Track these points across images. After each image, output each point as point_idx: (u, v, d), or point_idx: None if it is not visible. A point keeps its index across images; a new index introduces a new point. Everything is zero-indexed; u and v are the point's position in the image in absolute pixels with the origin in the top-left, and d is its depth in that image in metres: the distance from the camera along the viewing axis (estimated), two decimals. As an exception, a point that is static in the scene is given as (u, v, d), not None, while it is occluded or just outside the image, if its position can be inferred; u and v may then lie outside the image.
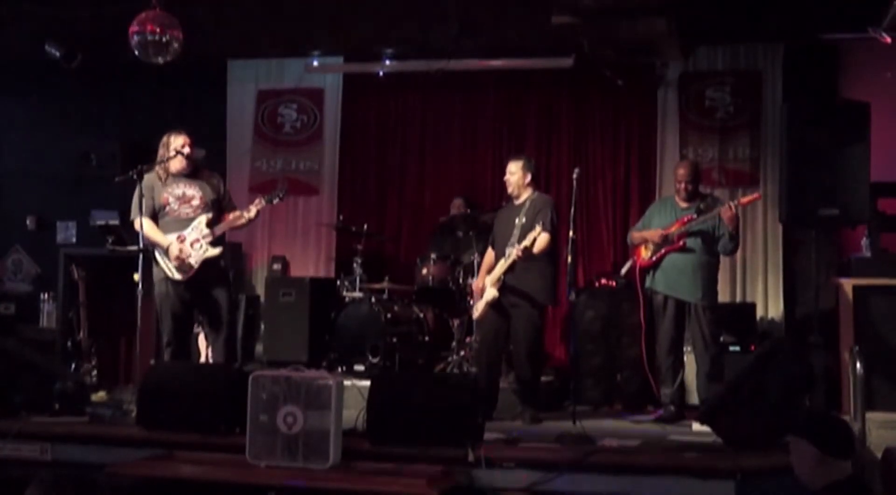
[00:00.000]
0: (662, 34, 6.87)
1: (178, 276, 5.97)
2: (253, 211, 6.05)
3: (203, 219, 6.04)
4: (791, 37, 7.81)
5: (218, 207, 6.16)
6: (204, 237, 5.99)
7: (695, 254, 6.27)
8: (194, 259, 5.96)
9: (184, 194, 6.05)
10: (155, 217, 6.03)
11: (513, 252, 6.09)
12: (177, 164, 6.05)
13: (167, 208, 6.02)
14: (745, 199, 6.51)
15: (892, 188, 6.80)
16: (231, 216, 6.12)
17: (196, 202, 6.06)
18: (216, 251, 6.04)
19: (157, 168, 6.05)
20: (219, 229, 6.06)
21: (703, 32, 7.70)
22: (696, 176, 6.45)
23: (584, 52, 7.46)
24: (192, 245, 5.97)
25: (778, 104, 7.60)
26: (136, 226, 5.95)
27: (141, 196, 5.88)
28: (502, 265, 6.21)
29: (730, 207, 6.09)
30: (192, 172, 6.12)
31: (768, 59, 7.95)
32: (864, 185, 5.84)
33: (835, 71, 7.84)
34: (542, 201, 6.30)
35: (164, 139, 6.08)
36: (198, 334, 7.19)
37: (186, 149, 6.05)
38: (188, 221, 6.02)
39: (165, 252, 5.95)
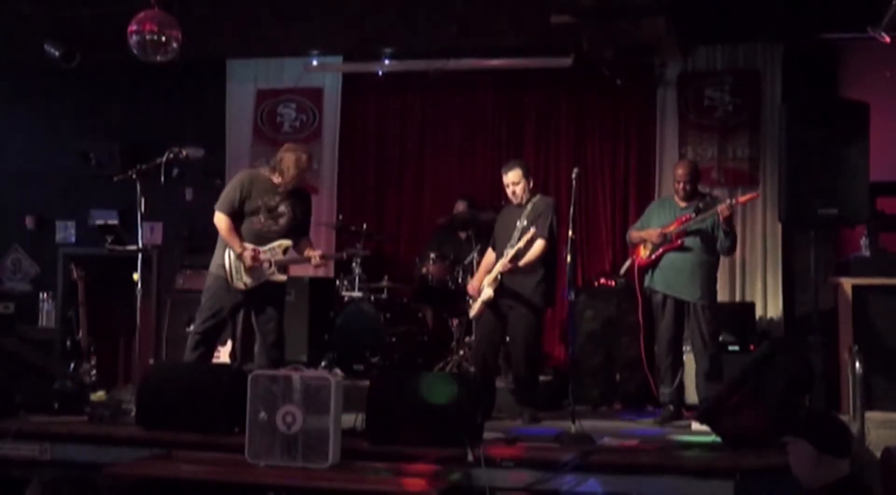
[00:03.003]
0: (661, 34, 6.88)
1: (238, 285, 5.91)
2: (317, 261, 6.11)
3: (283, 244, 5.99)
4: (791, 37, 7.80)
5: (300, 231, 6.13)
6: (276, 262, 5.96)
7: (693, 254, 6.27)
8: (260, 276, 5.92)
9: (277, 209, 5.97)
10: (237, 212, 5.92)
11: (508, 253, 6.12)
12: (298, 182, 6.00)
13: (255, 217, 5.93)
14: (743, 198, 6.51)
15: (891, 188, 6.81)
16: (304, 253, 6.12)
17: (283, 221, 6.00)
18: (282, 278, 6.02)
19: (270, 173, 5.98)
20: (287, 260, 6.05)
21: (702, 32, 7.70)
22: (694, 176, 6.45)
23: (583, 52, 7.46)
24: (263, 262, 5.92)
25: (777, 104, 7.59)
26: (216, 219, 5.91)
27: (238, 187, 5.88)
28: (498, 267, 6.24)
29: (727, 208, 6.09)
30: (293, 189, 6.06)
31: (767, 58, 7.95)
32: (864, 185, 5.85)
33: (834, 71, 7.84)
34: (543, 204, 6.30)
35: (294, 155, 5.93)
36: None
37: (307, 174, 6.13)
38: (267, 238, 5.95)
39: (239, 257, 5.87)
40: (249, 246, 5.90)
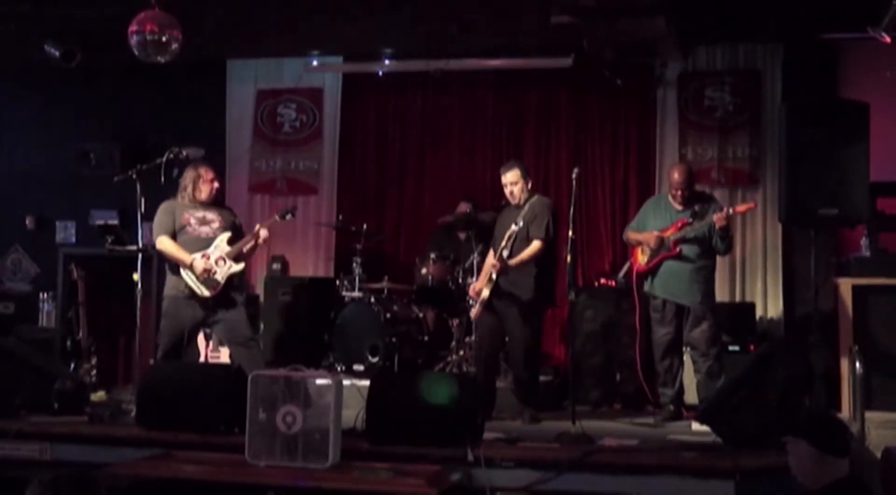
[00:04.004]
0: (662, 34, 6.88)
1: (206, 293, 6.01)
2: (264, 233, 6.18)
3: (224, 236, 6.14)
4: (791, 36, 7.81)
5: (234, 233, 6.25)
6: (227, 254, 6.08)
7: (691, 260, 6.27)
8: (220, 275, 6.04)
9: (204, 217, 6.17)
10: (174, 237, 6.10)
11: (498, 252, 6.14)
12: (203, 195, 6.18)
13: (187, 228, 6.11)
14: (740, 208, 6.51)
15: (891, 188, 6.81)
16: (244, 240, 6.22)
17: (216, 225, 6.18)
18: (239, 267, 6.15)
19: (181, 196, 6.17)
20: (234, 250, 6.14)
21: (702, 32, 7.70)
22: (690, 181, 6.42)
23: (584, 52, 7.46)
24: (216, 262, 6.04)
25: (777, 104, 7.59)
26: (158, 245, 6.09)
27: (164, 213, 6.07)
28: (489, 266, 6.26)
29: (723, 217, 6.07)
30: (213, 202, 6.26)
31: (768, 58, 7.95)
32: (864, 185, 5.85)
33: (834, 71, 7.83)
34: (540, 204, 6.30)
35: (193, 171, 6.20)
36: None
37: (216, 183, 6.26)
38: (207, 241, 6.11)
39: (190, 267, 5.99)
40: (197, 254, 6.02)
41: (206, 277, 6.00)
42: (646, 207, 6.70)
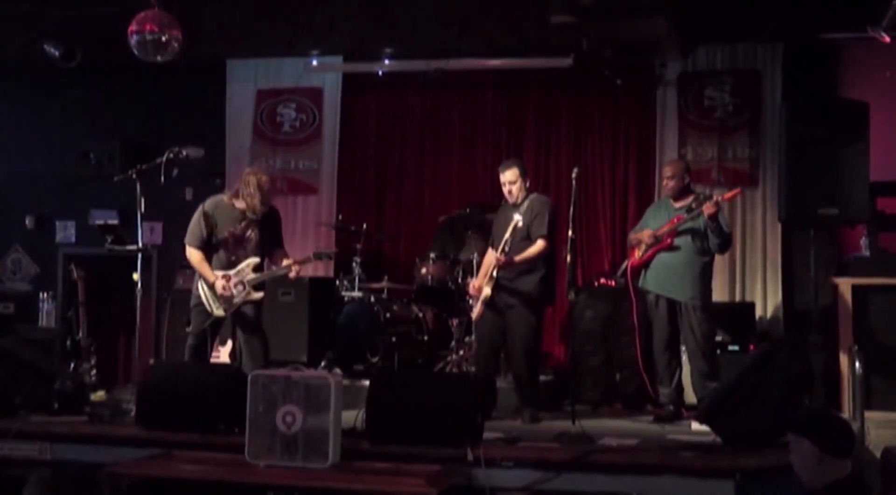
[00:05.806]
0: (662, 33, 6.88)
1: (217, 313, 6.00)
2: (295, 269, 6.09)
3: (251, 262, 6.06)
4: (790, 36, 7.81)
5: (269, 248, 6.19)
6: (248, 282, 6.02)
7: (684, 253, 6.27)
8: (236, 300, 6.01)
9: (244, 236, 6.06)
10: (206, 244, 6.02)
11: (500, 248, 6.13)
12: (266, 207, 6.06)
13: (223, 247, 6.03)
14: (727, 195, 6.53)
15: (891, 187, 6.82)
16: (275, 267, 6.18)
17: (251, 244, 6.08)
18: (257, 296, 6.08)
19: (238, 199, 6.04)
20: (260, 277, 6.09)
21: (702, 32, 7.70)
22: (680, 173, 6.44)
23: (584, 52, 7.46)
24: (235, 286, 5.99)
25: (777, 103, 7.59)
26: (187, 254, 6.03)
27: (201, 221, 5.96)
28: (494, 262, 6.24)
29: (711, 205, 6.08)
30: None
31: (767, 58, 7.95)
32: (864, 185, 5.86)
33: (834, 70, 7.84)
34: (539, 203, 6.30)
35: (253, 178, 5.99)
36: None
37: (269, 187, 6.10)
38: (237, 262, 6.05)
39: (211, 286, 5.97)
40: (220, 273, 5.98)
41: (224, 298, 5.97)
42: (648, 210, 6.77)
